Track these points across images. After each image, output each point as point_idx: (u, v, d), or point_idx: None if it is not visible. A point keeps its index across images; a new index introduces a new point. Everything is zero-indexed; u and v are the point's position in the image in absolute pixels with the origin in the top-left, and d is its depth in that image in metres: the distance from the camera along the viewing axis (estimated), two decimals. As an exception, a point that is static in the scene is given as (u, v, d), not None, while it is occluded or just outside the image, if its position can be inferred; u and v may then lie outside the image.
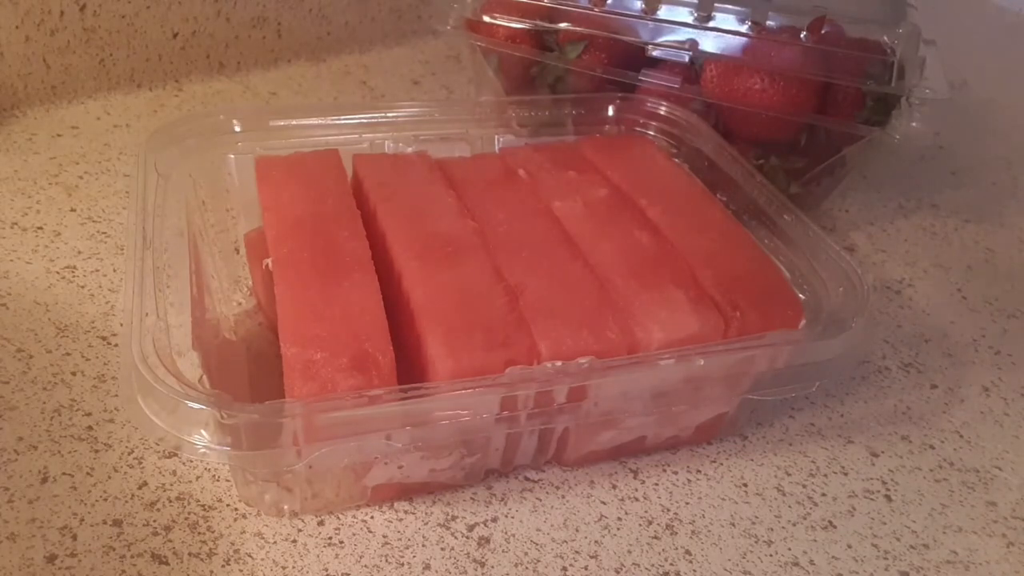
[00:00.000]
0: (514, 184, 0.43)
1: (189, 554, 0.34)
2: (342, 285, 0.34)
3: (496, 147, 0.48)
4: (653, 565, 0.36)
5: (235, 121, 0.44)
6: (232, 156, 0.44)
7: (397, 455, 0.34)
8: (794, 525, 0.38)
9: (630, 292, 0.36)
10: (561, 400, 0.33)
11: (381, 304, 0.34)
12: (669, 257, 0.38)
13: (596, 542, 0.37)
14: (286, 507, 0.36)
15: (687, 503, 0.39)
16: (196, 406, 0.29)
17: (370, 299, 0.34)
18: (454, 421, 0.33)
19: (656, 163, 0.46)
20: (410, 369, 0.36)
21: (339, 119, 0.45)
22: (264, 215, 0.40)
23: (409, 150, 0.45)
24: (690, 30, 0.52)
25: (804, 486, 0.40)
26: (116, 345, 0.43)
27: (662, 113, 0.50)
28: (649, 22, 0.52)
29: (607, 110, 0.50)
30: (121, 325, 0.42)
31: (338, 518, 0.36)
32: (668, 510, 0.38)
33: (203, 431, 0.30)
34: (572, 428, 0.37)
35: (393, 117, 0.46)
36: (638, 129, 0.50)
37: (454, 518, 0.37)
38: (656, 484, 0.39)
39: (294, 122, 0.45)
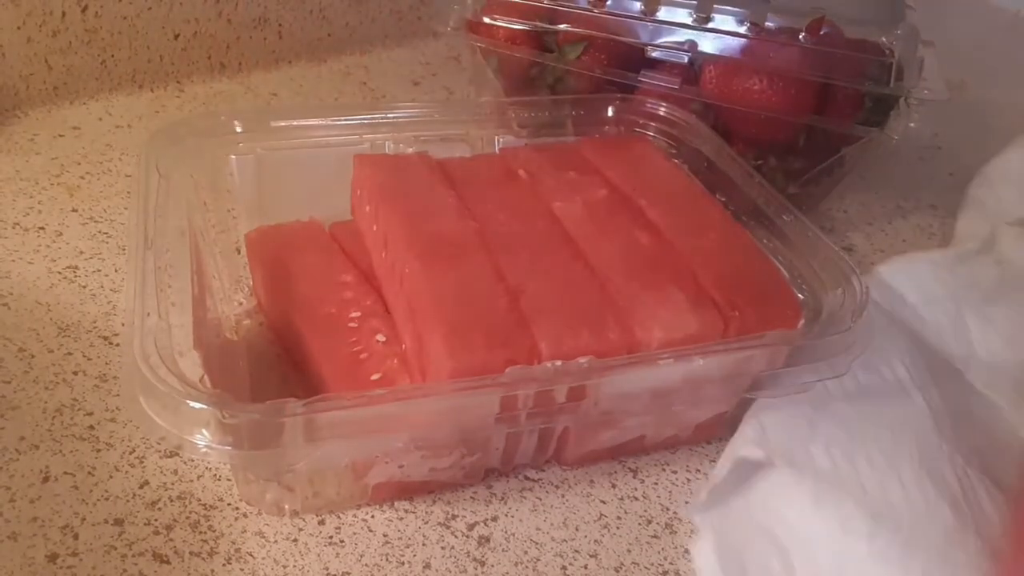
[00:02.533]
0: (515, 184, 0.43)
1: (190, 553, 0.34)
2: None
3: (496, 148, 0.48)
4: (653, 564, 0.36)
5: (236, 122, 0.44)
6: (233, 157, 0.44)
7: (398, 454, 0.34)
8: (793, 524, 0.38)
9: (630, 292, 0.36)
10: (561, 400, 0.33)
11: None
12: (669, 257, 0.38)
13: (596, 541, 0.37)
14: (287, 506, 0.36)
15: (687, 502, 0.39)
16: (198, 406, 0.29)
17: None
18: (454, 421, 0.33)
19: (655, 164, 0.46)
20: (411, 368, 0.36)
21: (340, 120, 0.45)
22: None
23: (410, 151, 0.45)
24: (689, 31, 0.52)
25: (803, 485, 0.40)
26: (118, 345, 0.43)
27: (661, 114, 0.50)
28: (648, 23, 0.53)
29: (607, 111, 0.50)
30: (123, 325, 0.42)
31: (339, 517, 0.36)
32: (668, 509, 0.38)
33: (204, 431, 0.30)
34: (572, 428, 0.37)
35: (393, 118, 0.46)
36: (637, 130, 0.50)
37: (454, 517, 0.37)
38: (656, 483, 0.40)
39: (295, 123, 0.45)
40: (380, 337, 0.38)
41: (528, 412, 0.33)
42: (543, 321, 0.34)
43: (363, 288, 0.41)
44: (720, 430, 0.41)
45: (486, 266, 0.37)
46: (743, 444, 0.37)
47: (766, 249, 0.41)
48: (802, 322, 0.37)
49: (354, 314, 0.39)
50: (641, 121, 0.50)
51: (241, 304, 0.45)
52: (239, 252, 0.46)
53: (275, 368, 0.42)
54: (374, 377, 0.36)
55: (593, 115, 0.50)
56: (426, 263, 0.36)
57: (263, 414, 0.30)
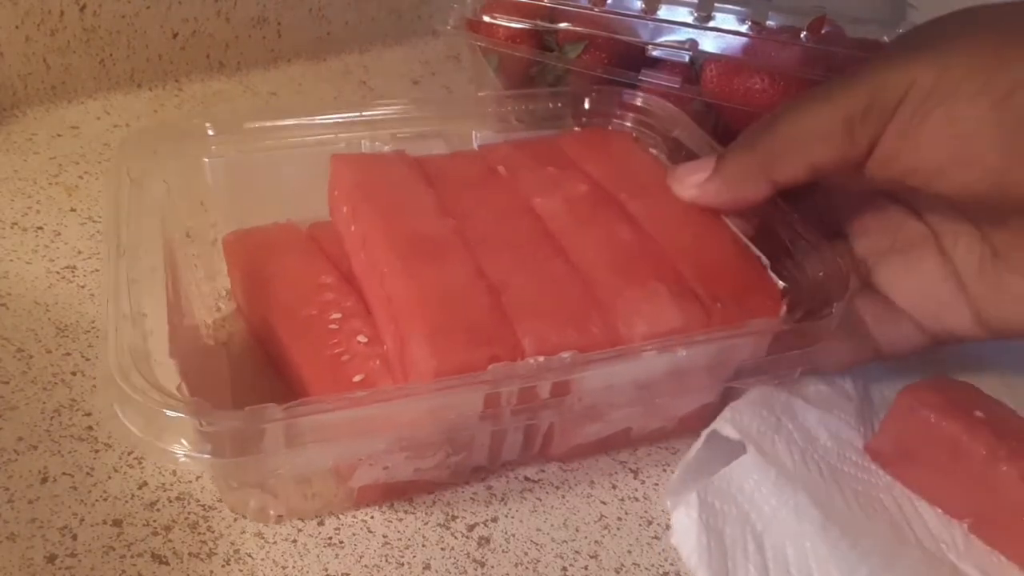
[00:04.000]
0: (494, 181, 0.42)
1: (189, 554, 0.34)
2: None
3: (474, 143, 0.47)
4: (653, 565, 0.36)
5: (208, 124, 0.43)
6: (207, 160, 0.43)
7: (381, 456, 0.34)
8: (794, 525, 0.38)
9: (612, 287, 0.36)
10: (545, 396, 0.33)
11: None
12: (650, 251, 0.38)
13: (596, 542, 0.37)
14: (272, 512, 0.36)
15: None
16: (174, 415, 0.29)
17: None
18: (438, 420, 0.33)
19: (634, 157, 0.46)
20: (393, 369, 0.35)
21: (315, 119, 0.44)
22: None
23: (386, 148, 0.45)
24: (690, 30, 0.52)
25: (804, 486, 0.40)
26: (116, 345, 0.43)
27: (638, 104, 0.49)
28: (649, 22, 0.52)
29: (583, 103, 0.49)
30: (97, 337, 0.42)
31: (338, 518, 0.36)
32: (668, 510, 0.38)
33: (183, 440, 0.29)
34: (557, 422, 0.37)
35: (369, 116, 0.45)
36: (616, 121, 0.49)
37: (454, 518, 0.37)
38: (656, 484, 0.39)
39: (269, 123, 0.44)
40: (361, 338, 0.37)
41: (512, 409, 0.33)
42: (525, 318, 0.34)
43: (343, 289, 0.40)
44: (706, 422, 0.41)
45: (467, 264, 0.36)
46: (717, 421, 0.38)
47: (746, 236, 0.40)
48: (784, 310, 0.37)
49: (334, 316, 0.39)
50: (618, 111, 0.49)
51: (220, 309, 0.45)
52: (217, 256, 0.46)
53: (258, 373, 0.42)
54: (356, 379, 0.36)
55: (570, 107, 0.49)
56: (406, 262, 0.36)
57: (242, 420, 0.29)
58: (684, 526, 0.36)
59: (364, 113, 0.45)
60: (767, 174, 0.37)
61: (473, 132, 0.47)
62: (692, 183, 0.40)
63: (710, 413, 0.40)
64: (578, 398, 0.34)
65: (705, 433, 0.37)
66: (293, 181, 0.44)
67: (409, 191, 0.40)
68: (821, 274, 0.38)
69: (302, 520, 0.36)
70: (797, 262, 0.39)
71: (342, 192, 0.41)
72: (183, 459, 0.29)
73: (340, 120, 0.45)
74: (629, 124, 0.49)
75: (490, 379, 0.32)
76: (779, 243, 0.40)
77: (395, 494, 0.37)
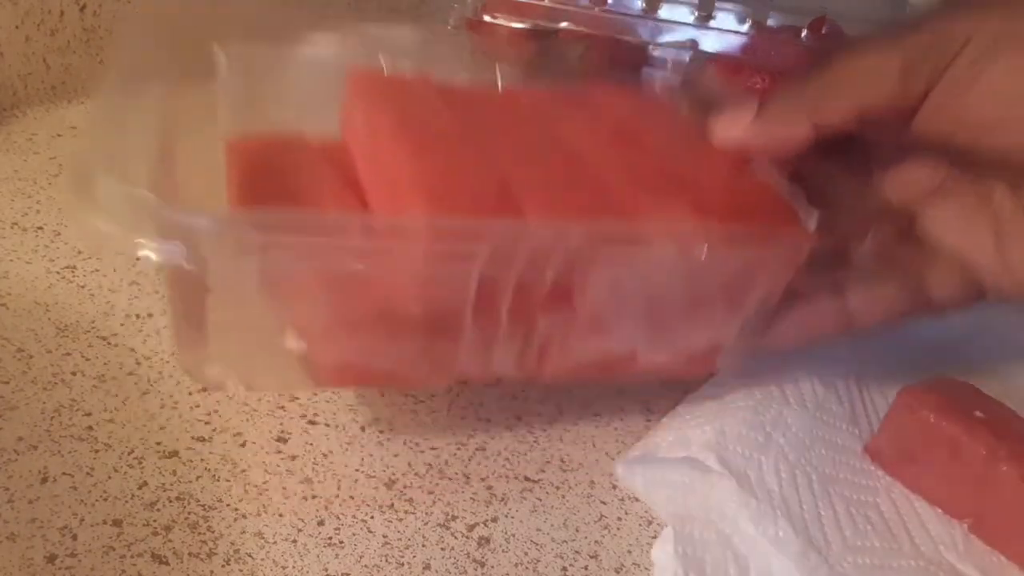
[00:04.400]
0: (518, 110, 0.41)
1: (189, 554, 0.34)
2: None
3: (499, 85, 0.45)
4: (653, 565, 0.36)
5: (221, 14, 0.41)
6: (218, 54, 0.40)
7: (355, 329, 0.32)
8: (794, 525, 0.38)
9: (630, 193, 0.34)
10: (546, 285, 0.31)
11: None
12: (674, 175, 0.37)
13: (596, 542, 0.37)
14: (228, 382, 0.34)
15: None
16: (145, 209, 0.27)
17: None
18: (425, 286, 0.31)
19: (663, 105, 0.44)
20: None
21: (335, 31, 0.42)
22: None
23: (408, 67, 0.42)
24: (690, 29, 0.52)
25: (804, 486, 0.40)
26: (116, 345, 0.43)
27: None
28: (649, 22, 0.53)
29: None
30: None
31: (338, 519, 0.36)
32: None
33: (148, 238, 0.28)
34: (556, 331, 0.35)
35: (393, 37, 0.43)
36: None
37: (454, 518, 0.37)
38: (656, 484, 0.39)
39: (287, 26, 0.42)
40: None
41: (508, 308, 0.31)
42: (537, 203, 0.32)
43: (350, 202, 0.37)
44: (712, 365, 0.40)
45: (480, 157, 0.34)
46: (700, 449, 0.37)
47: (775, 182, 0.39)
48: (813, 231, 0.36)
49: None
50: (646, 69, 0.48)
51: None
52: (219, 161, 0.41)
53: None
54: None
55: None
56: (414, 151, 0.34)
57: (210, 219, 0.28)
58: (662, 563, 0.35)
59: (388, 33, 0.43)
60: (811, 115, 0.35)
61: (497, 72, 0.45)
62: (734, 124, 0.38)
63: (721, 355, 0.39)
64: (582, 301, 0.32)
65: (682, 455, 0.37)
66: (307, 91, 0.41)
67: (429, 110, 0.38)
68: (855, 210, 0.37)
69: (302, 520, 0.36)
70: (830, 202, 0.37)
71: (357, 110, 0.39)
72: (150, 255, 0.28)
73: (364, 36, 0.42)
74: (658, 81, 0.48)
75: (489, 234, 0.30)
76: (812, 187, 0.38)
77: (368, 381, 0.35)
